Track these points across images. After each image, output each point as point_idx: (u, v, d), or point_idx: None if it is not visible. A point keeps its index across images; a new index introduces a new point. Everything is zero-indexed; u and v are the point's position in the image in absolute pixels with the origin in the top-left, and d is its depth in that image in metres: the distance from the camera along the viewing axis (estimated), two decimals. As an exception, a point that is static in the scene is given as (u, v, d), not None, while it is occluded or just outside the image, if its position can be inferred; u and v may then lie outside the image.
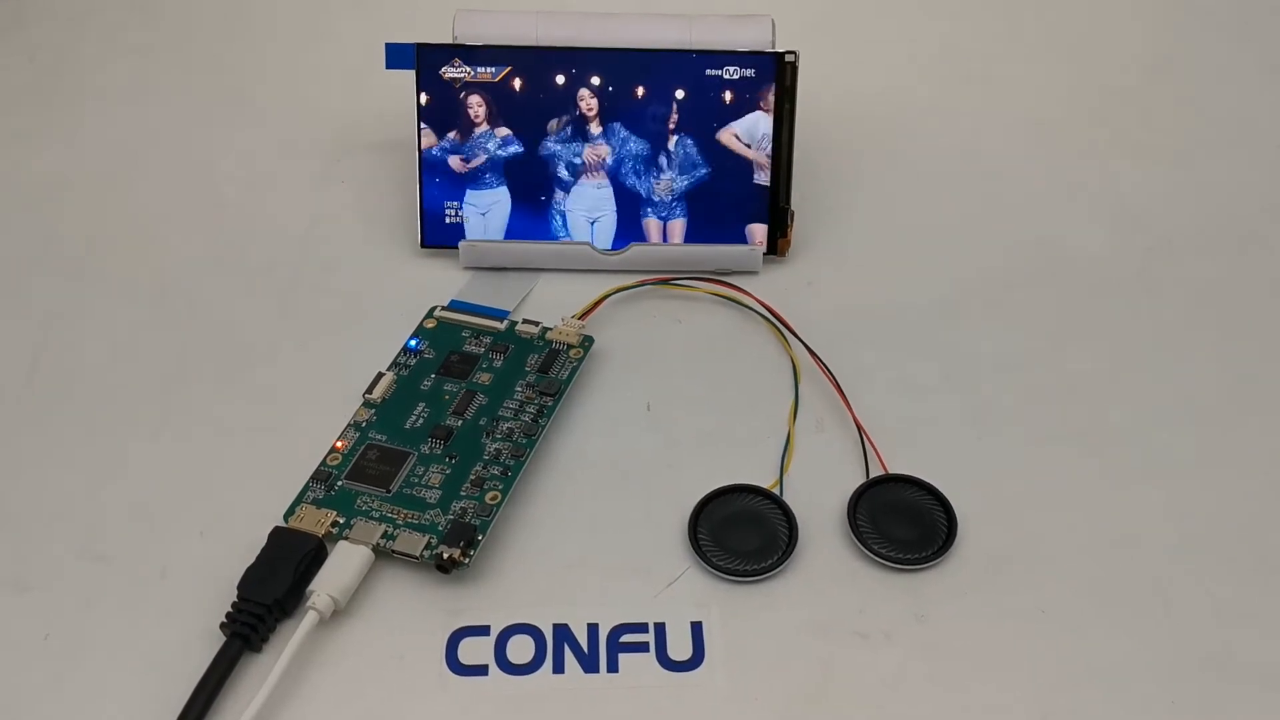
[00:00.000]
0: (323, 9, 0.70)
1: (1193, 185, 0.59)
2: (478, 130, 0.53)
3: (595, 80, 0.53)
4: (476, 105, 0.53)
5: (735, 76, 0.53)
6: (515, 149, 0.54)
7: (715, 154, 0.54)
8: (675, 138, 0.53)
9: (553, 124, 0.52)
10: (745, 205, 0.54)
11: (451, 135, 0.53)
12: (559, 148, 0.54)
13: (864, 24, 0.69)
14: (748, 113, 0.53)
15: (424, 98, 0.53)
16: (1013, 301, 0.53)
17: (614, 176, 0.54)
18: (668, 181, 0.54)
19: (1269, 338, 0.52)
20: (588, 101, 0.53)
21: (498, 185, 0.54)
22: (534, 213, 0.54)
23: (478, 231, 0.54)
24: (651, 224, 0.54)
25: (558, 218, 0.54)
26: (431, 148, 0.54)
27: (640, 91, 0.53)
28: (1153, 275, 0.54)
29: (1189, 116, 0.63)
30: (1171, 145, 0.62)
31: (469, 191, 0.54)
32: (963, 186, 0.59)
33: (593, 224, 0.54)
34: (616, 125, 0.53)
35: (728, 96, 0.53)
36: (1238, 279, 0.54)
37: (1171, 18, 0.70)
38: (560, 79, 0.53)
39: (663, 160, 0.54)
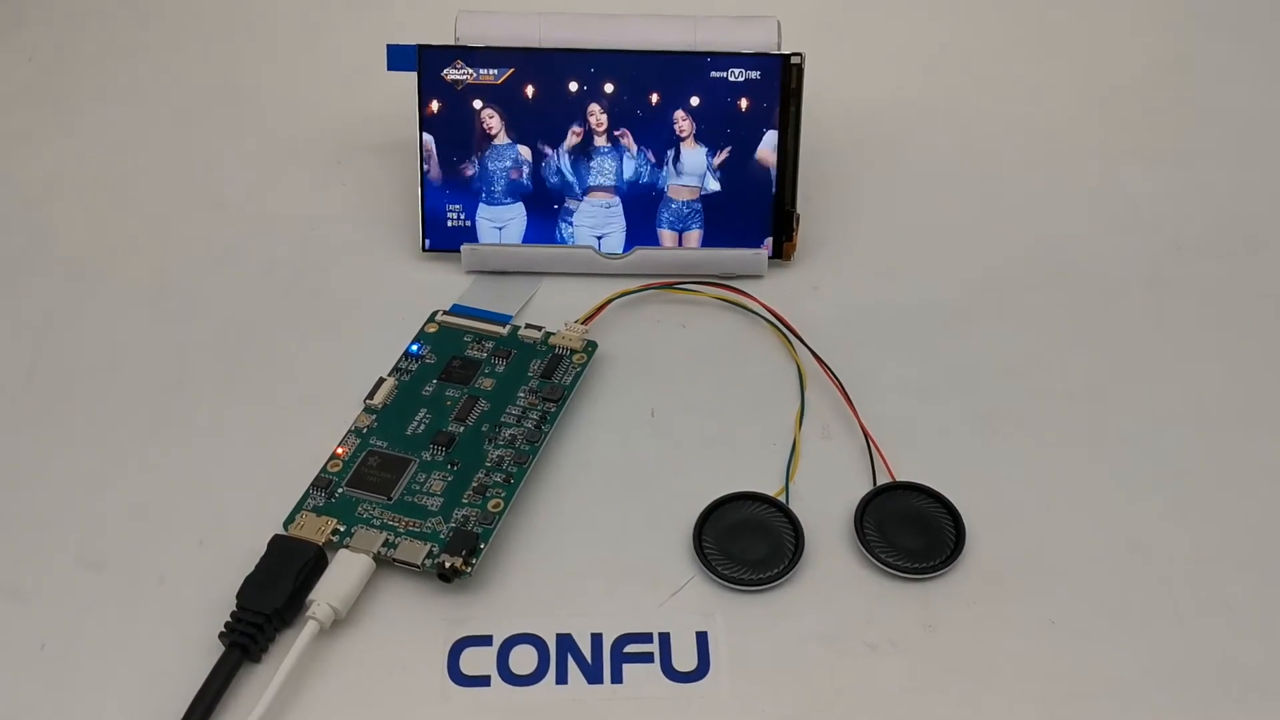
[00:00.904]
0: (323, 9, 0.70)
1: (1202, 186, 0.59)
2: (495, 144, 0.53)
3: (607, 88, 0.52)
4: (489, 119, 0.53)
5: (740, 79, 0.52)
6: (528, 162, 0.53)
7: (733, 163, 0.53)
8: (691, 145, 0.53)
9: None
10: (764, 215, 0.53)
11: (467, 153, 0.53)
12: (566, 161, 0.53)
13: (868, 25, 0.69)
14: (762, 123, 0.53)
15: (435, 105, 0.53)
16: (1020, 305, 0.53)
17: (623, 191, 0.53)
18: (682, 189, 0.53)
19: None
20: (597, 117, 0.52)
21: (514, 201, 0.54)
22: (547, 225, 0.54)
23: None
24: (666, 235, 0.54)
25: (565, 231, 0.54)
26: (434, 162, 0.53)
27: (648, 98, 0.52)
28: (1161, 277, 0.54)
29: (1194, 117, 0.63)
30: (1177, 146, 0.61)
31: (483, 207, 0.54)
32: (968, 189, 0.59)
33: (600, 239, 0.54)
34: (625, 135, 0.53)
35: (744, 104, 0.52)
36: (1247, 281, 0.54)
37: (1175, 18, 0.70)
38: (569, 86, 0.52)
39: (676, 168, 0.53)
